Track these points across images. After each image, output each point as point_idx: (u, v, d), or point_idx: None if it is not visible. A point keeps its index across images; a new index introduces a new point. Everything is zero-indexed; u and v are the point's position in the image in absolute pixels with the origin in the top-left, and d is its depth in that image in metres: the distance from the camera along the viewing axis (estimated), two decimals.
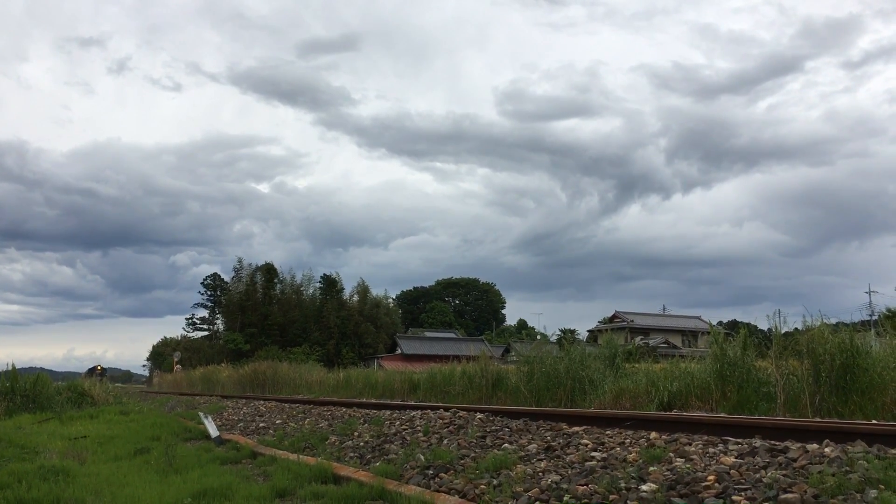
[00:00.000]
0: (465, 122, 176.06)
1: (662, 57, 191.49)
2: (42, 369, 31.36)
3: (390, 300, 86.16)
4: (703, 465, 5.19)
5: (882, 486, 4.11)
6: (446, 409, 10.37)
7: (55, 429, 13.71)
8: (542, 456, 6.59)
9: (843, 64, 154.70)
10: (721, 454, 5.41)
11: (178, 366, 60.08)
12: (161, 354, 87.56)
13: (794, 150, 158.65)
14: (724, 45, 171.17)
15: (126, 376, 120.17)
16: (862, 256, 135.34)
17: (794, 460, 4.89)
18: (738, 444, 5.70)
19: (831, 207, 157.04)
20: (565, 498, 4.97)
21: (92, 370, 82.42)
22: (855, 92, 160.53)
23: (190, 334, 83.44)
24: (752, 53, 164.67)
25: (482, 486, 5.73)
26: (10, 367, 20.57)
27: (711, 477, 4.74)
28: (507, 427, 8.34)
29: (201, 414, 14.30)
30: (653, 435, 6.58)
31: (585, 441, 6.85)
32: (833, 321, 10.07)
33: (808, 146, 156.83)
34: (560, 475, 5.66)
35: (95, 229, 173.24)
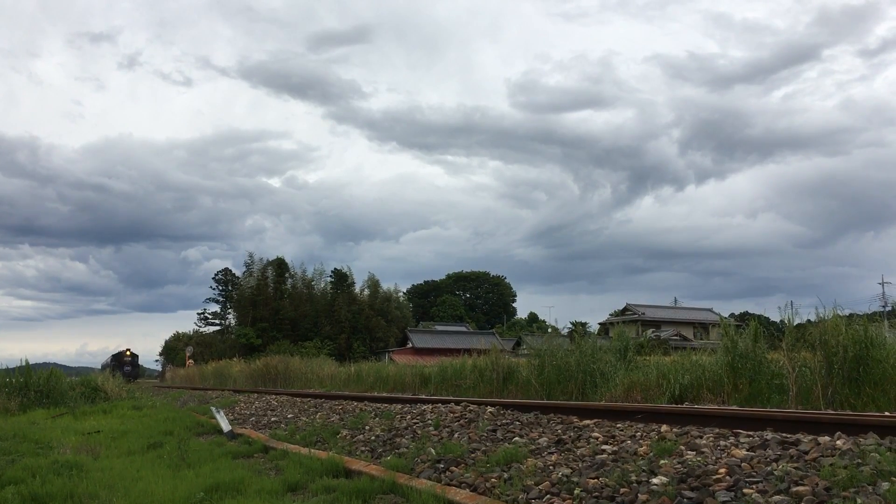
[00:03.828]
0: (476, 114, 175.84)
1: (676, 46, 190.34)
2: (55, 364, 31.61)
3: (401, 294, 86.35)
4: (714, 458, 5.18)
5: (894, 479, 4.09)
6: (457, 403, 10.39)
7: (69, 424, 13.82)
8: (553, 449, 6.59)
9: (860, 52, 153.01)
10: (732, 447, 5.39)
11: (191, 360, 60.36)
12: (173, 349, 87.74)
13: (809, 140, 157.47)
14: (738, 34, 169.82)
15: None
16: (877, 247, 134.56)
17: (806, 453, 4.87)
18: (749, 436, 5.68)
19: (846, 198, 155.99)
20: (576, 491, 4.97)
21: (118, 357, 69.26)
22: (872, 80, 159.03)
23: (202, 329, 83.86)
24: (768, 42, 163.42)
25: (493, 480, 5.74)
26: (23, 363, 20.76)
27: (722, 470, 4.72)
28: (518, 420, 8.34)
29: (213, 408, 14.38)
30: (664, 428, 6.57)
31: (596, 434, 6.84)
32: (846, 312, 10.03)
33: (823, 136, 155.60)
34: (571, 468, 5.66)
35: (108, 225, 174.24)
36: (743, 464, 4.84)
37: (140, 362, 73.30)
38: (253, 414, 15.16)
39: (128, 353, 69.83)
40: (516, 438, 7.30)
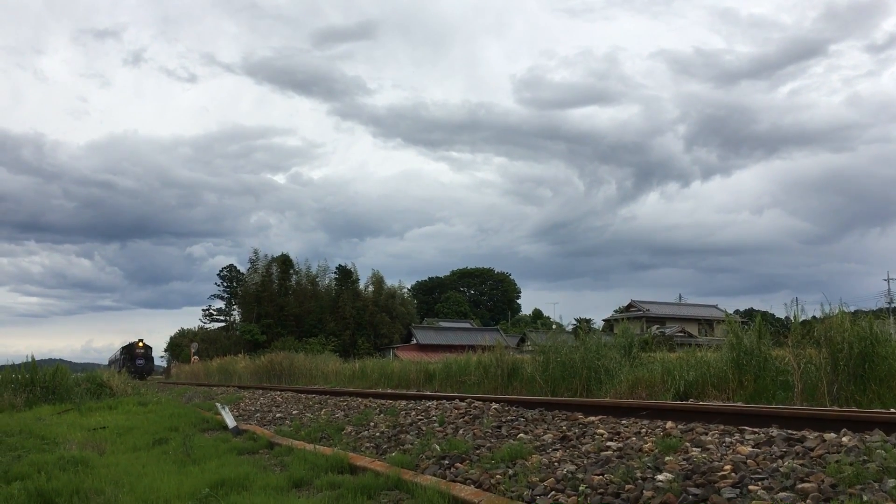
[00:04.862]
0: (481, 110, 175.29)
1: (682, 42, 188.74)
2: (61, 361, 31.68)
3: (405, 290, 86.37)
4: (719, 454, 5.17)
5: None
6: (462, 399, 10.39)
7: (74, 420, 13.86)
8: (558, 446, 6.59)
9: (867, 47, 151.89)
10: (738, 444, 5.38)
11: (196, 357, 60.32)
12: (179, 346, 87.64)
13: (815, 136, 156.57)
14: (744, 30, 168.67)
15: None
16: (883, 243, 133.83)
17: (812, 449, 4.86)
18: (754, 433, 5.67)
19: (852, 194, 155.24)
20: (581, 488, 4.97)
21: (129, 349, 61.54)
22: (879, 76, 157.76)
23: (207, 325, 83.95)
24: (774, 37, 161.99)
25: (498, 476, 5.74)
26: (29, 359, 20.82)
27: (728, 467, 4.72)
28: (523, 417, 8.34)
29: (218, 405, 14.42)
30: (669, 424, 6.57)
31: (601, 431, 6.84)
32: (852, 309, 10.01)
33: (829, 132, 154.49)
34: (576, 465, 5.66)
35: (113, 221, 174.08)
36: (748, 460, 4.83)
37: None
38: (258, 410, 15.19)
39: (140, 344, 61.50)
40: (521, 435, 7.30)
